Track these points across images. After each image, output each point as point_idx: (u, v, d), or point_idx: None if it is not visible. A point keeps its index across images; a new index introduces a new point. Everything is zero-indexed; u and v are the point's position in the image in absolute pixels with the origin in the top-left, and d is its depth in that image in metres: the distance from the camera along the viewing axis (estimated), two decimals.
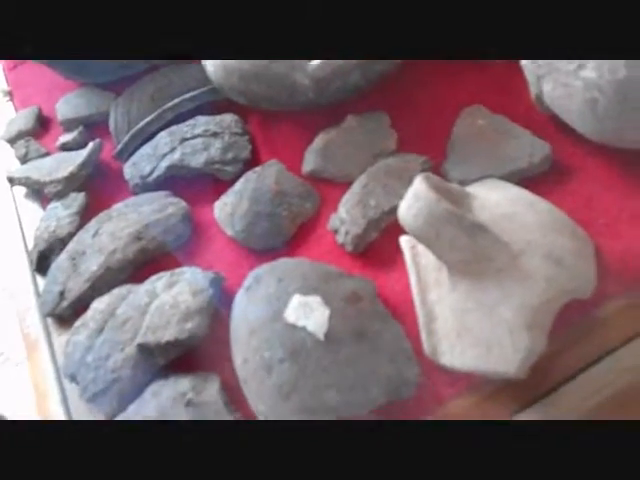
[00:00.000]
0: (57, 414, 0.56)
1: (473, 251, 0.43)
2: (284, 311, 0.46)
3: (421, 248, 0.48)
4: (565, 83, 0.45)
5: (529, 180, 0.51)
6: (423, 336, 0.45)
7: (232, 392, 0.47)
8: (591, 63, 0.42)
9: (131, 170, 0.69)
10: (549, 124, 0.54)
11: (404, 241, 0.51)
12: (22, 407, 0.63)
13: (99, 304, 0.57)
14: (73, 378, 0.55)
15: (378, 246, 0.54)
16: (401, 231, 0.47)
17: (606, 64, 0.41)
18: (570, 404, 0.40)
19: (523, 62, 0.52)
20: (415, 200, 0.44)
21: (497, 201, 0.47)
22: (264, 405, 0.45)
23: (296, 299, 0.47)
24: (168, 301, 0.53)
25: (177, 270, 0.57)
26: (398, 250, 0.51)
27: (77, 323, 0.57)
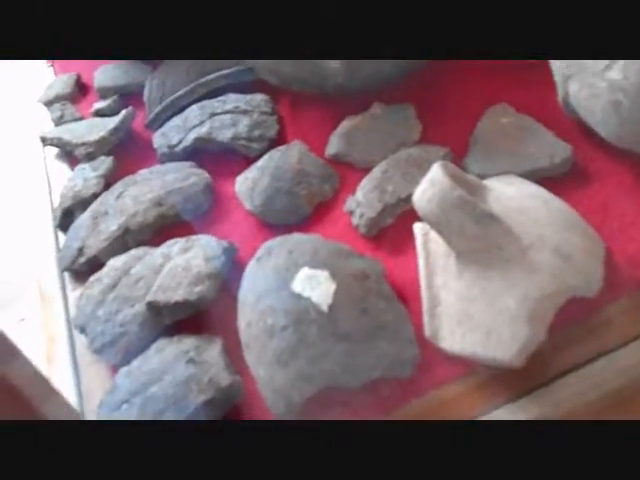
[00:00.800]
0: (65, 363, 0.58)
1: (482, 239, 0.43)
2: (291, 282, 0.47)
3: (433, 235, 0.49)
4: (591, 84, 0.45)
5: (548, 180, 0.51)
6: (425, 319, 0.46)
7: (234, 356, 0.49)
8: (618, 64, 0.42)
9: (160, 139, 0.71)
10: (573, 126, 0.54)
11: (417, 227, 0.52)
12: (32, 356, 0.66)
13: (115, 262, 0.59)
14: (83, 330, 0.57)
15: (392, 231, 0.55)
16: (416, 219, 0.48)
17: (633, 66, 0.41)
18: (565, 397, 0.40)
19: (552, 62, 0.53)
20: (430, 185, 0.45)
21: (512, 195, 0.48)
22: (263, 370, 0.46)
23: (304, 271, 0.48)
24: (181, 264, 0.55)
25: (193, 237, 0.59)
26: (411, 237, 0.52)
27: (92, 278, 0.59)
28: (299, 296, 0.46)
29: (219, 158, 0.68)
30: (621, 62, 0.42)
